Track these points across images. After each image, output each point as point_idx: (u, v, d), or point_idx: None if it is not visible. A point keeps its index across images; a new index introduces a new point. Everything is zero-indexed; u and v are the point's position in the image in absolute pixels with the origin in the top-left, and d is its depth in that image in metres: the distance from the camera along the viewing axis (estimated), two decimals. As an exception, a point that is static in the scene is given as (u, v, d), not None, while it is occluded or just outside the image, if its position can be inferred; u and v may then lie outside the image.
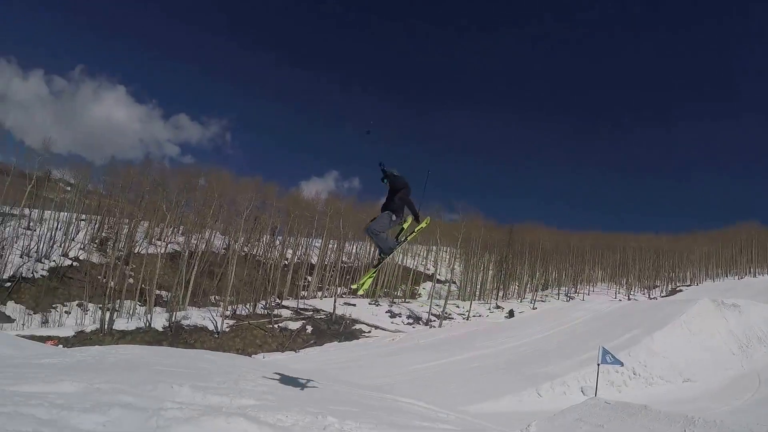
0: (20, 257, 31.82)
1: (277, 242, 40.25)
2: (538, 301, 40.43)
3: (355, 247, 43.62)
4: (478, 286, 42.67)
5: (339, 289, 36.80)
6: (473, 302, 36.17)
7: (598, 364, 10.32)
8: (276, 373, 7.06)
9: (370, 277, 5.44)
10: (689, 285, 55.61)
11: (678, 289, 53.86)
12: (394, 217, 4.82)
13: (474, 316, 33.12)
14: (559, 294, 46.01)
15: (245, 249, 37.66)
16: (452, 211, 67.51)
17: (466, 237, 42.53)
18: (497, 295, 42.92)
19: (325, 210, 39.41)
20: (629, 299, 44.21)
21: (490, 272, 45.28)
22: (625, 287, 51.10)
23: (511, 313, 33.39)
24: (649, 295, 50.06)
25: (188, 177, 39.91)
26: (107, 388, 3.93)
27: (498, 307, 36.45)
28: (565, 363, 16.57)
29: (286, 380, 6.35)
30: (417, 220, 5.05)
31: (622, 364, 11.58)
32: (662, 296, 48.73)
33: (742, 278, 55.01)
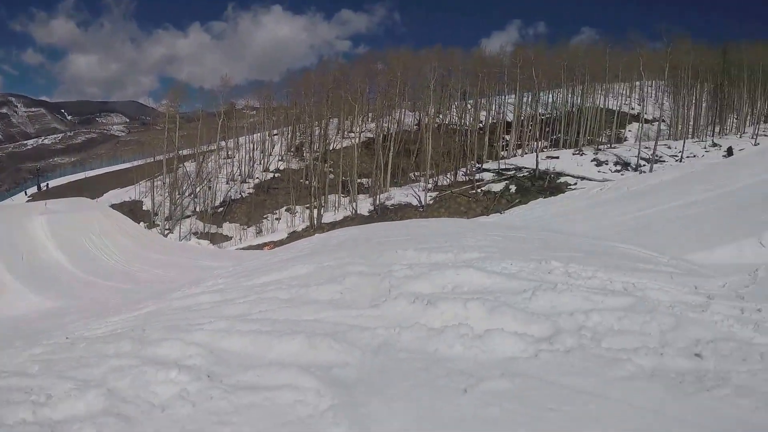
0: (226, 183, 53.79)
1: (469, 106, 55.83)
2: (761, 135, 52.42)
3: (550, 95, 57.91)
4: (691, 123, 56.09)
5: (540, 143, 52.31)
6: (686, 141, 49.92)
7: None
8: (492, 230, 12.76)
9: None
10: None
11: None
12: None
13: (688, 156, 47.53)
14: (788, 126, 56.46)
15: (437, 120, 53.53)
16: (655, 37, 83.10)
17: (674, 65, 53.56)
18: (713, 131, 56.49)
19: (513, 62, 54.22)
20: None
21: (704, 104, 58.19)
22: None
23: (729, 152, 46.90)
24: None
25: (366, 65, 60.27)
26: (336, 263, 7.38)
27: (714, 144, 50.50)
28: None
29: (504, 235, 11.25)
30: None
31: None
32: None
33: None
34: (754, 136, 53.67)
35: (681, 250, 18.93)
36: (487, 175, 48.80)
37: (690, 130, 56.87)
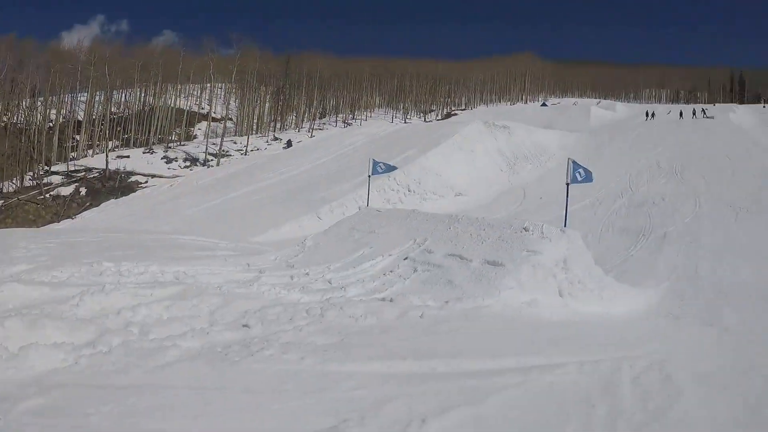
0: None
1: (39, 104, 54.31)
2: (316, 129, 63.45)
3: (124, 95, 60.84)
4: (255, 120, 64.21)
5: (111, 143, 54.41)
6: (251, 136, 56.70)
7: (369, 176, 17.63)
8: (51, 238, 12.71)
9: None
10: (464, 109, 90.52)
11: (453, 113, 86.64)
12: None
13: (252, 150, 53.81)
14: (336, 121, 71.92)
15: (4, 119, 51.48)
16: (227, 45, 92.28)
17: (242, 70, 61.11)
18: (275, 127, 66.54)
19: (89, 59, 54.64)
20: (405, 123, 71.61)
21: (267, 104, 68.15)
22: (402, 112, 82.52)
23: (289, 143, 55.42)
24: (425, 119, 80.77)
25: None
26: None
27: (276, 138, 58.57)
28: (343, 186, 29.24)
29: (61, 241, 11.46)
30: None
31: (394, 168, 20.18)
32: (437, 120, 78.49)
33: (514, 104, 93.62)
34: (311, 131, 63.89)
35: (250, 233, 21.45)
36: (57, 179, 48.83)
37: (254, 126, 64.72)
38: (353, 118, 76.93)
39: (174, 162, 52.66)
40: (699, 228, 18.32)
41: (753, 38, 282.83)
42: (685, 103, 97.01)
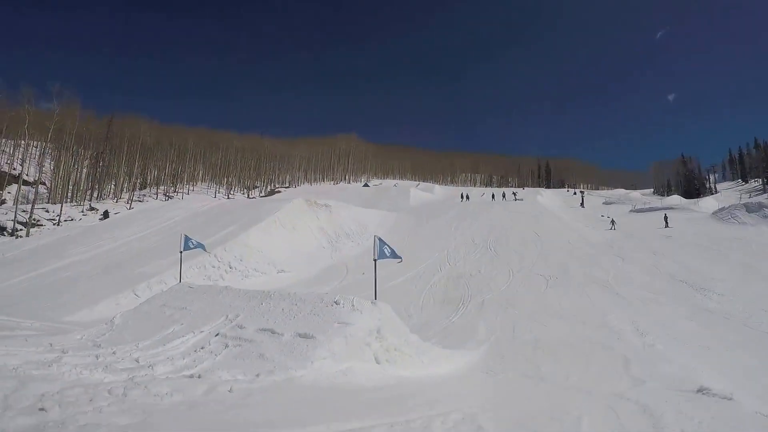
0: None
1: None
2: (136, 201, 61.99)
3: None
4: (70, 187, 60.76)
5: None
6: (65, 205, 53.49)
7: (181, 252, 18.13)
8: None
9: None
10: (288, 187, 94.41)
11: (277, 190, 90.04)
12: None
13: (66, 220, 50.69)
14: (157, 193, 71.00)
15: None
16: (47, 98, 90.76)
17: (60, 128, 56.86)
18: (92, 195, 63.49)
19: None
20: (228, 198, 72.84)
21: (85, 170, 64.67)
22: (225, 187, 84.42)
23: (105, 215, 53.00)
24: (249, 195, 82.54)
25: None
26: None
27: (92, 209, 55.59)
28: (162, 261, 28.42)
29: None
30: None
31: (204, 248, 20.70)
32: (261, 196, 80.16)
33: (337, 184, 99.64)
34: (130, 202, 61.68)
35: (64, 312, 20.61)
36: None
37: (69, 194, 60.79)
38: (175, 191, 76.16)
39: (-23, 229, 47.25)
40: (514, 295, 20.40)
41: (558, 132, 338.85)
42: (498, 187, 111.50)
